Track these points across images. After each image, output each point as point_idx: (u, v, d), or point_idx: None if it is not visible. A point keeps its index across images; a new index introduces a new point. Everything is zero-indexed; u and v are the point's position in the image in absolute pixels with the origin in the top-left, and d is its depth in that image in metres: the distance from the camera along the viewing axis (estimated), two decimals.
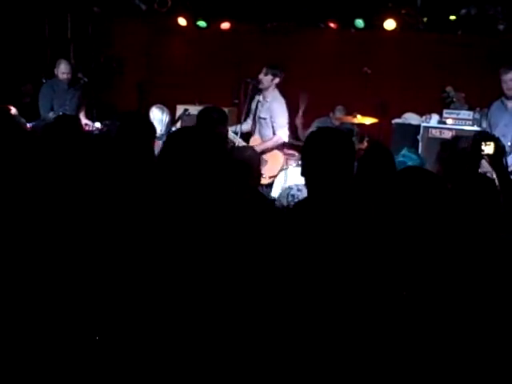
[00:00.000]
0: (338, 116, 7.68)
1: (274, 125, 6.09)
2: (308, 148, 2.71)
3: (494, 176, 5.14)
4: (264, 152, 5.92)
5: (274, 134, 6.12)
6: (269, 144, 6.07)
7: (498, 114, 5.70)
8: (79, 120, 4.64)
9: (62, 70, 7.14)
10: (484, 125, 6.55)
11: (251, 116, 6.32)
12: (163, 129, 6.16)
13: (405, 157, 4.86)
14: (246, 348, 2.23)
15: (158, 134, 5.99)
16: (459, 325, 2.23)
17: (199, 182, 2.37)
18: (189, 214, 2.34)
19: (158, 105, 6.43)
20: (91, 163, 3.50)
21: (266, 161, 5.90)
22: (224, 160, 2.50)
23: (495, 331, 2.25)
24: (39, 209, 2.98)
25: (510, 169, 5.23)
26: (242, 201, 2.65)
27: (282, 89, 6.26)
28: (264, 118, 6.16)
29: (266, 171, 5.79)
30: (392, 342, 2.22)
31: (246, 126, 6.34)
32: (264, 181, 5.59)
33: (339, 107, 7.74)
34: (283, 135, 6.08)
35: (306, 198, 2.76)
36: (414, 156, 5.16)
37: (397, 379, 2.21)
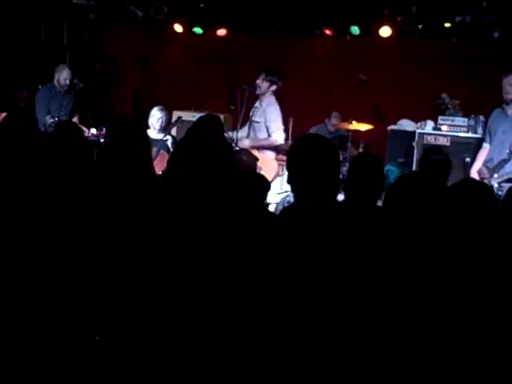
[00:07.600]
0: (334, 122, 7.72)
1: (269, 128, 6.09)
2: (291, 156, 2.68)
3: (493, 183, 5.18)
4: (257, 148, 5.94)
5: (269, 136, 6.13)
6: (263, 142, 6.08)
7: (497, 120, 5.70)
8: (79, 126, 4.69)
9: (65, 75, 7.12)
10: (479, 131, 6.57)
11: (248, 122, 6.33)
12: (157, 127, 6.30)
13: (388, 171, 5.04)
14: (245, 348, 2.23)
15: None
16: (456, 328, 2.24)
17: (205, 187, 2.36)
18: (191, 217, 2.34)
19: (161, 106, 6.49)
20: (93, 168, 3.52)
21: (261, 167, 5.90)
22: (231, 166, 2.47)
23: (494, 335, 2.25)
24: (42, 212, 2.99)
25: (509, 176, 5.25)
26: (241, 206, 2.65)
27: (277, 95, 6.27)
28: (258, 122, 6.16)
29: None
30: (389, 345, 2.22)
31: (242, 133, 6.33)
32: None
33: (335, 113, 7.78)
34: (279, 138, 6.09)
35: (292, 205, 2.75)
36: (393, 168, 5.37)
37: (395, 380, 2.21)
